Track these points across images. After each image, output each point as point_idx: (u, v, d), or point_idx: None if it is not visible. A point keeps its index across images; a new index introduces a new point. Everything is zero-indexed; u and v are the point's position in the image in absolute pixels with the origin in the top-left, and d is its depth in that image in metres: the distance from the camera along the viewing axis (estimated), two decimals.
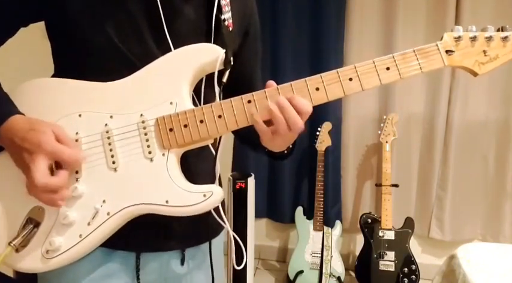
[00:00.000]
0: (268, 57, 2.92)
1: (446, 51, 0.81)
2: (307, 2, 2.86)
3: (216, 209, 0.94)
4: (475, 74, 0.82)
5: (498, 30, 0.81)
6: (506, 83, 2.72)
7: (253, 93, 0.82)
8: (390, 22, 2.78)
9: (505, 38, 0.80)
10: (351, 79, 0.82)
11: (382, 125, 2.72)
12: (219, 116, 0.82)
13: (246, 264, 2.51)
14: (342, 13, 2.83)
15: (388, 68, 0.81)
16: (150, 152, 0.82)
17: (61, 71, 0.90)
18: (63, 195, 0.78)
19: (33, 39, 1.32)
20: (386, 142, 2.69)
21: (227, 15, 0.93)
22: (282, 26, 2.88)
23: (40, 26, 0.89)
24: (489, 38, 0.80)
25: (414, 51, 0.81)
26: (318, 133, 2.74)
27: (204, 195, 0.81)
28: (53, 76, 0.91)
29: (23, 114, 0.82)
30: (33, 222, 0.82)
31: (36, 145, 0.76)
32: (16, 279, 1.24)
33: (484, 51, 0.80)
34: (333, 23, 2.82)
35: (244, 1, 1.01)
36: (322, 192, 2.75)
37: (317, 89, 0.82)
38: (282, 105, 0.80)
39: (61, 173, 0.78)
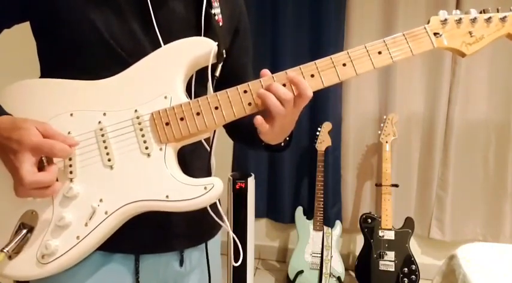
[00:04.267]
0: (268, 54, 2.92)
1: (434, 34, 0.84)
2: (307, 0, 2.86)
3: (214, 207, 0.94)
4: (463, 55, 0.86)
5: (481, 12, 0.84)
6: (506, 82, 2.71)
7: (249, 83, 0.83)
8: (390, 19, 2.78)
9: (488, 19, 0.84)
10: (344, 64, 0.83)
11: (382, 125, 2.72)
12: (216, 108, 0.82)
13: (245, 264, 2.51)
14: (342, 10, 2.83)
15: (380, 52, 0.84)
16: (147, 147, 0.81)
17: (49, 72, 0.89)
18: (54, 188, 0.77)
19: (16, 41, 1.31)
20: (386, 142, 2.68)
21: (217, 11, 0.93)
22: (282, 24, 2.88)
23: (24, 27, 0.88)
24: (473, 20, 0.84)
25: (404, 34, 0.84)
26: (318, 133, 2.73)
27: (205, 188, 0.79)
28: (40, 77, 0.90)
29: (10, 115, 0.81)
30: (26, 227, 0.79)
31: (19, 143, 0.74)
32: None
33: (470, 33, 0.84)
34: (333, 20, 2.81)
35: (233, 0, 1.01)
36: (322, 192, 2.75)
37: (312, 75, 0.83)
38: (271, 84, 0.80)
39: (50, 168, 0.77)
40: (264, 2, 2.88)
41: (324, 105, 2.83)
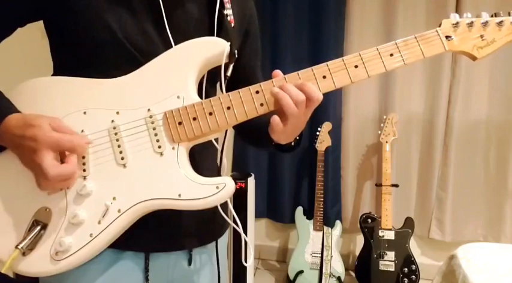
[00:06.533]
0: (269, 55, 2.93)
1: (446, 37, 0.85)
2: (307, 1, 2.87)
3: (224, 207, 0.94)
4: (474, 58, 0.86)
5: (492, 15, 0.85)
6: (506, 82, 2.73)
7: (261, 83, 0.83)
8: (390, 20, 2.79)
9: (500, 23, 0.84)
10: (356, 66, 0.83)
11: (382, 125, 2.73)
12: (228, 108, 0.83)
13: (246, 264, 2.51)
14: (342, 11, 2.84)
15: (391, 55, 0.84)
16: (159, 146, 0.82)
17: (61, 70, 0.89)
18: (75, 178, 0.79)
19: (29, 39, 1.31)
20: (387, 142, 2.69)
21: (229, 12, 0.94)
22: (282, 24, 2.90)
23: (37, 25, 0.88)
24: (485, 23, 0.84)
25: (416, 37, 0.84)
26: (318, 133, 2.74)
27: (217, 187, 0.80)
28: (53, 75, 0.90)
29: (20, 112, 0.81)
30: (40, 224, 0.79)
31: (35, 140, 0.75)
32: (17, 280, 1.22)
33: (481, 36, 0.84)
34: (333, 21, 2.83)
35: (244, 2, 1.02)
36: (322, 192, 2.76)
37: (324, 77, 0.83)
38: (284, 85, 0.81)
39: (70, 159, 0.78)
40: (265, 3, 2.89)
41: (324, 105, 2.82)
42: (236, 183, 2.48)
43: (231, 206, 0.95)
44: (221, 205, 0.92)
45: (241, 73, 0.98)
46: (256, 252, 3.17)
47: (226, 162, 0.93)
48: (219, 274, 1.02)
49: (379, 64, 0.83)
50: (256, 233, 2.77)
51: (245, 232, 2.49)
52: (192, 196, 0.80)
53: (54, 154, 0.76)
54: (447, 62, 2.73)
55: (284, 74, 0.84)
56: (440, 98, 2.77)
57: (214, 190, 0.80)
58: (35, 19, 0.88)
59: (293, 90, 0.81)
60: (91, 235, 0.79)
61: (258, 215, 3.02)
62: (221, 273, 1.04)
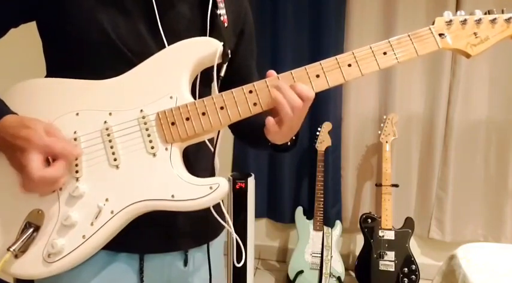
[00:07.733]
0: (269, 55, 2.93)
1: (439, 35, 0.84)
2: (307, 0, 2.87)
3: (218, 208, 0.94)
4: (468, 56, 0.86)
5: (486, 13, 0.84)
6: (506, 82, 2.72)
7: (254, 83, 0.83)
8: (390, 20, 2.79)
9: (493, 20, 0.84)
10: (349, 65, 0.83)
11: (382, 125, 2.72)
12: (221, 108, 0.82)
13: (245, 264, 2.51)
14: (342, 11, 2.84)
15: (385, 53, 0.84)
16: (152, 147, 0.81)
17: (55, 71, 0.89)
18: (61, 182, 0.78)
19: (22, 40, 1.31)
20: (387, 142, 2.69)
21: (222, 11, 0.93)
22: (282, 24, 2.89)
23: (30, 25, 0.88)
24: (478, 21, 0.84)
25: (409, 35, 0.84)
26: (318, 133, 2.74)
27: (211, 188, 0.79)
28: (46, 77, 0.90)
29: (16, 114, 0.81)
30: (32, 226, 0.79)
31: (27, 141, 0.75)
32: None
33: (475, 33, 0.84)
34: (333, 20, 2.83)
35: (239, 1, 1.02)
36: (322, 192, 2.75)
37: (317, 76, 0.83)
38: (281, 87, 0.81)
39: (57, 164, 0.77)
40: (265, 3, 2.89)
41: (324, 105, 2.84)
42: (236, 183, 2.50)
43: (222, 206, 0.94)
44: (216, 205, 0.92)
45: (236, 72, 0.97)
46: (256, 252, 3.17)
47: (219, 163, 0.93)
48: (210, 275, 1.01)
49: (373, 62, 0.83)
50: (256, 233, 2.76)
51: (245, 232, 2.50)
52: (186, 197, 0.79)
53: (42, 157, 0.76)
54: (447, 61, 2.73)
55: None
56: (440, 98, 2.77)
57: (208, 191, 0.79)
58: (29, 19, 0.88)
59: (291, 94, 0.81)
60: (84, 237, 0.78)
61: (258, 215, 3.01)
62: (216, 274, 1.03)
